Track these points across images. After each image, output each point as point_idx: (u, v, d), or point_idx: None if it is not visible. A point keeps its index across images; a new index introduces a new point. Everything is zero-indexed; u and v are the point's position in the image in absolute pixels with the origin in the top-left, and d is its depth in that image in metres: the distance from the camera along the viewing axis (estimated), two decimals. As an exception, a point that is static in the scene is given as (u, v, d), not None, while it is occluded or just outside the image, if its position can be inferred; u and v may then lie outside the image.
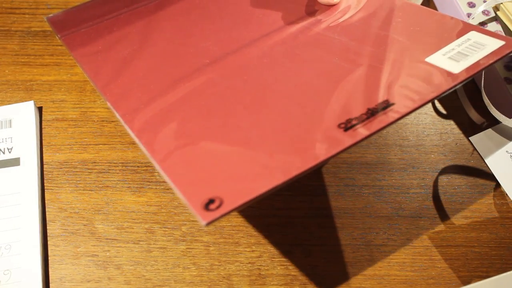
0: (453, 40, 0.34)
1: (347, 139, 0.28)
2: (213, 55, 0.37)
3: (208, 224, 0.24)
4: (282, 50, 0.37)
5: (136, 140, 0.31)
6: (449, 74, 0.32)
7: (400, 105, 0.30)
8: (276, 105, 0.32)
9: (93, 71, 0.36)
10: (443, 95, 0.31)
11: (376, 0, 0.40)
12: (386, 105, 0.30)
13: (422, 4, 0.55)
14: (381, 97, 0.31)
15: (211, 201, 0.26)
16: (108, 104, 0.34)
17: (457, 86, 0.31)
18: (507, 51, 0.32)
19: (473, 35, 0.34)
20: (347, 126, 0.29)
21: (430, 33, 0.36)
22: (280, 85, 0.34)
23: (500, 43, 0.33)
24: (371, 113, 0.30)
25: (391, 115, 0.29)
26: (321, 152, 0.28)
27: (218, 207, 0.25)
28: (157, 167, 0.29)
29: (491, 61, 0.32)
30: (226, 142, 0.30)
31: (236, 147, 0.29)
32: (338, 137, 0.29)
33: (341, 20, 0.39)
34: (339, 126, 0.29)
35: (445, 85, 0.31)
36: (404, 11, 0.39)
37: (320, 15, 0.40)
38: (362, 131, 0.29)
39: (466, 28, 0.35)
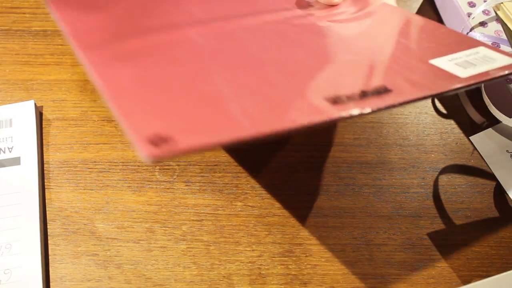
0: (461, 51, 0.34)
1: (333, 111, 0.27)
2: (197, 18, 0.36)
3: (153, 160, 0.22)
4: (274, 28, 0.36)
5: (92, 75, 0.28)
6: (453, 76, 0.31)
7: (397, 94, 0.29)
8: (257, 70, 0.31)
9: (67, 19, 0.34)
10: (443, 95, 0.31)
11: (383, 8, 0.40)
12: (383, 90, 0.29)
13: (422, 4, 0.55)
14: (377, 82, 0.30)
15: (162, 139, 0.23)
16: (70, 40, 0.31)
17: (461, 90, 0.30)
18: None
19: (482, 50, 0.34)
20: (336, 100, 0.28)
21: (436, 41, 0.36)
22: (265, 56, 0.32)
23: (509, 60, 0.32)
24: (364, 94, 0.28)
25: (386, 99, 0.28)
26: (300, 117, 0.26)
27: (167, 144, 0.23)
28: (106, 97, 0.26)
29: (501, 73, 0.31)
30: (195, 89, 0.28)
31: (204, 96, 0.27)
32: (323, 108, 0.27)
33: (342, 16, 0.39)
34: (326, 99, 0.28)
35: (447, 86, 0.30)
36: (412, 21, 0.38)
37: (320, 9, 0.40)
38: (351, 107, 0.27)
39: (476, 43, 0.34)
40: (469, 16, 0.49)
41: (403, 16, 0.39)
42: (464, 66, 0.32)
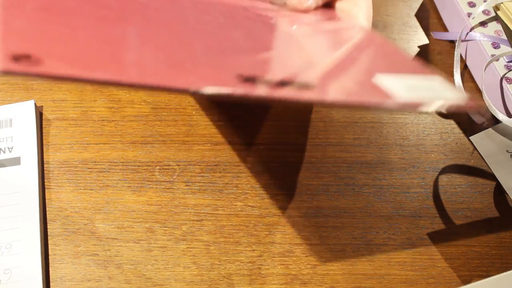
0: (414, 75, 0.31)
1: (238, 87, 0.25)
2: None
3: (3, 72, 0.20)
4: (224, 9, 0.34)
5: None
6: (390, 96, 0.28)
7: (319, 92, 0.27)
8: (180, 35, 0.29)
9: None
10: (372, 110, 0.27)
11: (352, 25, 0.38)
12: (305, 85, 0.27)
13: (423, 3, 0.55)
14: (304, 78, 0.28)
15: (27, 57, 0.21)
16: None
17: (391, 110, 0.28)
18: (468, 105, 0.29)
19: (436, 79, 0.31)
20: (248, 79, 0.25)
21: (393, 63, 0.33)
22: (198, 26, 0.31)
23: (462, 95, 0.29)
24: (284, 83, 0.26)
25: (304, 94, 0.26)
26: (199, 82, 0.24)
27: (29, 63, 0.21)
28: None
29: (445, 106, 0.28)
30: (99, 29, 0.27)
31: (104, 36, 0.26)
32: (229, 81, 0.25)
33: (303, 20, 0.37)
34: (238, 75, 0.25)
35: (377, 102, 0.27)
36: (376, 42, 0.36)
37: (285, 10, 0.38)
38: (259, 89, 0.25)
39: (433, 71, 0.32)
40: (469, 16, 0.49)
41: (368, 35, 0.37)
42: (406, 88, 0.29)
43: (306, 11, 0.38)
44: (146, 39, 0.27)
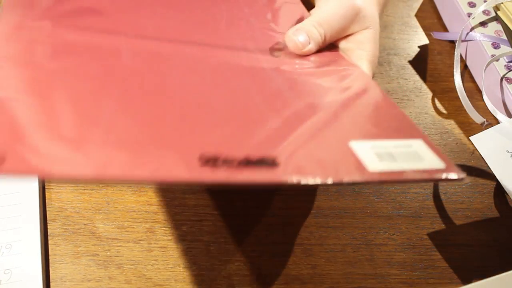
0: (395, 138, 0.30)
1: (197, 173, 0.24)
2: (143, 33, 0.35)
3: None
4: (212, 64, 0.34)
5: None
6: (361, 167, 0.27)
7: (280, 171, 0.25)
8: (152, 104, 0.29)
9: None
10: (338, 185, 0.26)
11: (351, 72, 0.37)
12: (270, 161, 0.26)
13: (423, 3, 0.55)
14: (269, 151, 0.26)
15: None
16: None
17: (361, 184, 0.27)
18: (441, 176, 0.27)
19: (417, 144, 0.29)
20: (209, 161, 0.25)
21: (376, 121, 0.32)
22: (178, 90, 0.31)
23: (440, 164, 0.28)
24: (246, 162, 0.25)
25: (264, 174, 0.25)
26: (156, 171, 0.24)
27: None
28: None
29: (417, 177, 0.27)
30: (72, 104, 0.27)
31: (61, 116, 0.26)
32: (189, 167, 0.24)
33: (297, 67, 0.36)
34: (200, 157, 0.25)
35: (345, 177, 0.26)
36: (367, 94, 0.35)
37: (286, 56, 0.37)
38: (219, 174, 0.24)
39: (417, 135, 0.30)
40: (469, 16, 0.49)
41: (362, 84, 0.36)
42: (382, 158, 0.28)
43: (306, 54, 0.37)
44: (118, 117, 0.27)
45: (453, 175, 0.27)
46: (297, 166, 0.26)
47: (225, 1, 0.41)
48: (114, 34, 0.34)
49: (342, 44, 0.38)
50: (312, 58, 0.37)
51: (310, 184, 0.25)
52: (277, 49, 0.37)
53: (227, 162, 0.25)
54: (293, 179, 0.25)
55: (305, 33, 0.36)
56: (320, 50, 0.37)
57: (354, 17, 0.37)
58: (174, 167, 0.24)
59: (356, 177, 0.26)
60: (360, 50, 0.38)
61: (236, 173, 0.25)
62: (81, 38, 0.33)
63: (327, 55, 0.38)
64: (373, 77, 0.38)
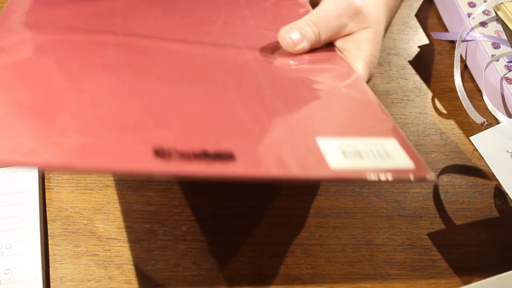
0: (365, 136, 0.29)
1: (148, 164, 0.24)
2: (132, 31, 0.35)
3: None
4: (195, 61, 0.34)
5: None
6: (323, 165, 0.26)
7: (238, 165, 0.25)
8: (120, 98, 0.29)
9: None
10: (298, 182, 0.25)
11: (340, 71, 0.36)
12: (226, 155, 0.25)
13: (423, 3, 0.55)
14: (228, 145, 0.26)
15: None
16: None
17: (320, 180, 0.26)
18: (407, 177, 0.27)
19: (389, 143, 0.29)
20: (163, 153, 0.25)
21: (352, 119, 0.31)
22: (150, 86, 0.31)
23: (409, 164, 0.27)
24: (204, 155, 0.25)
25: (218, 168, 0.25)
26: (106, 161, 0.24)
27: None
28: None
29: (379, 177, 0.26)
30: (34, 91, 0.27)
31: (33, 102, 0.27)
32: (141, 157, 0.24)
33: (285, 65, 0.36)
34: (154, 148, 0.25)
35: (301, 172, 0.26)
36: (351, 92, 0.34)
37: (275, 54, 0.37)
38: (172, 166, 0.24)
39: (392, 133, 0.29)
40: (469, 16, 0.49)
41: (347, 83, 0.35)
42: (348, 155, 0.27)
43: (299, 53, 0.36)
44: (85, 108, 0.28)
45: (420, 176, 0.26)
46: (254, 161, 0.26)
47: (226, 4, 0.41)
48: (102, 33, 0.35)
49: (340, 44, 0.38)
50: (306, 57, 0.37)
51: (271, 179, 0.25)
52: (270, 47, 0.37)
53: (182, 155, 0.25)
54: (247, 172, 0.25)
55: (298, 31, 0.36)
56: (316, 49, 0.37)
57: (353, 17, 0.37)
58: (126, 158, 0.24)
59: (313, 173, 0.26)
60: (357, 50, 0.37)
61: (187, 166, 0.25)
62: (67, 37, 0.34)
63: (322, 54, 0.37)
64: (370, 79, 0.38)
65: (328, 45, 0.38)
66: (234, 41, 0.37)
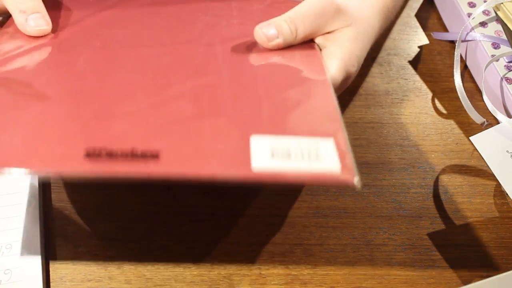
0: (303, 135, 0.28)
1: (76, 165, 0.25)
2: (108, 41, 0.36)
3: None
4: (161, 62, 0.35)
5: None
6: (246, 164, 0.26)
7: (162, 165, 0.25)
8: (75, 100, 0.31)
9: None
10: (219, 182, 0.25)
11: (305, 67, 0.35)
12: (151, 154, 0.26)
13: (423, 3, 0.55)
14: (155, 145, 0.26)
15: None
16: None
17: (240, 180, 0.25)
18: (329, 181, 0.26)
19: (325, 143, 0.28)
20: (93, 153, 0.25)
21: (297, 117, 0.30)
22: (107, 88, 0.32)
23: (335, 168, 0.26)
24: (132, 155, 0.26)
25: (141, 167, 0.25)
26: (39, 162, 0.25)
27: None
28: None
29: (300, 180, 0.26)
30: None
31: None
32: (73, 159, 0.25)
33: (252, 60, 0.36)
34: (86, 149, 0.26)
35: (220, 172, 0.26)
36: (304, 89, 0.33)
37: (247, 50, 0.36)
38: (96, 167, 0.25)
39: (332, 133, 0.28)
40: (469, 16, 0.49)
41: (303, 80, 0.34)
42: (275, 155, 0.27)
43: (274, 48, 0.36)
44: (37, 110, 0.29)
45: (343, 181, 0.26)
46: (177, 161, 0.26)
47: (217, 7, 0.41)
48: (80, 44, 0.36)
49: (320, 41, 0.38)
50: (279, 54, 0.36)
51: (190, 179, 0.25)
52: (246, 44, 0.37)
53: (110, 155, 0.25)
54: (165, 172, 0.25)
55: (274, 27, 0.35)
56: (293, 46, 0.36)
57: (333, 15, 0.37)
58: (57, 160, 0.26)
59: (232, 173, 0.26)
60: (335, 48, 0.37)
61: (116, 165, 0.25)
62: (44, 42, 0.35)
63: (296, 52, 0.36)
64: (350, 77, 0.38)
65: (308, 42, 0.38)
66: (211, 39, 0.37)
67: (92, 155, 0.25)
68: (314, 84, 0.34)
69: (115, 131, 0.28)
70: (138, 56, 0.35)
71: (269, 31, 0.35)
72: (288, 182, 0.26)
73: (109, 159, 0.25)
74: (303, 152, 0.27)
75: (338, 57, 0.37)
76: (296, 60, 0.36)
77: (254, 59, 0.36)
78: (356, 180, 0.26)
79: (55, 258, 0.36)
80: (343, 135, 0.28)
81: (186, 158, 0.26)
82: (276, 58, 0.36)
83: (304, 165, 0.26)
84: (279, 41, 0.35)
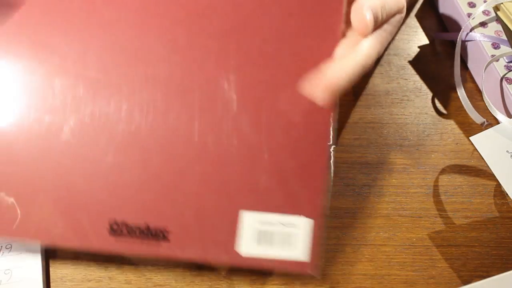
0: (285, 214, 0.28)
1: (105, 243, 0.26)
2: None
3: None
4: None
5: None
6: (234, 249, 0.27)
7: (171, 247, 0.27)
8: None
9: None
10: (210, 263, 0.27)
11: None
12: (161, 235, 0.27)
13: (423, 3, 0.55)
14: (162, 221, 0.27)
15: None
16: None
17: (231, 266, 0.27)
18: (297, 272, 0.28)
19: (302, 224, 0.28)
20: (116, 230, 0.26)
21: (287, 188, 0.29)
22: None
23: (304, 258, 0.27)
24: (147, 232, 0.27)
25: (153, 249, 0.26)
26: (69, 239, 0.27)
27: None
28: None
29: (279, 271, 0.27)
30: None
31: None
32: (98, 235, 0.26)
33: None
34: (110, 224, 0.26)
35: (215, 258, 0.27)
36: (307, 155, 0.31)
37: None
38: (119, 246, 0.26)
39: (312, 213, 0.29)
40: (469, 16, 0.49)
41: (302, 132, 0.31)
42: (261, 240, 0.27)
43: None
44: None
45: (306, 272, 0.28)
46: (183, 244, 0.28)
47: None
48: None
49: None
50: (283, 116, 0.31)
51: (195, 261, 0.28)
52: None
53: (130, 231, 0.27)
54: (172, 255, 0.27)
55: (372, 13, 0.30)
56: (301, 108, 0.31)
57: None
58: (83, 237, 0.27)
59: (225, 259, 0.28)
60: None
61: (133, 245, 0.27)
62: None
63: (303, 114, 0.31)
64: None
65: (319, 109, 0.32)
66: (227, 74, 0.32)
67: (114, 232, 0.27)
68: (311, 157, 0.31)
69: (128, 202, 0.28)
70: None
71: (368, 15, 0.31)
72: (265, 270, 0.28)
73: (131, 237, 0.27)
74: (282, 237, 0.28)
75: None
76: (301, 123, 0.32)
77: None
78: (316, 273, 0.29)
79: (55, 258, 0.36)
80: (320, 213, 0.29)
81: (190, 242, 0.28)
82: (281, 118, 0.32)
83: (282, 253, 0.28)
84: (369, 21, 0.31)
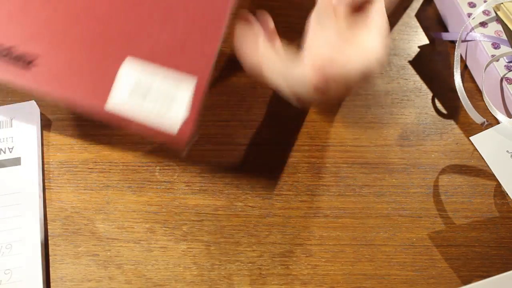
0: (171, 71, 0.27)
1: None
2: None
3: None
4: None
5: None
6: (99, 99, 0.25)
7: (31, 75, 0.25)
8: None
9: None
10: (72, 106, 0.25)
11: None
12: (27, 60, 0.25)
13: (423, 3, 0.55)
14: (34, 49, 0.25)
15: None
16: None
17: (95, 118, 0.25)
18: (162, 141, 0.26)
19: (186, 86, 0.26)
20: None
21: (182, 43, 0.28)
22: None
23: (173, 128, 0.25)
24: (7, 54, 0.25)
25: (10, 72, 0.25)
26: None
27: None
28: None
29: (142, 133, 0.25)
30: None
31: None
32: None
33: None
34: None
35: (80, 103, 0.25)
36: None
37: None
38: None
39: (201, 70, 0.27)
40: (469, 16, 0.49)
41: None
42: (134, 94, 0.25)
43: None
44: None
45: (173, 144, 0.25)
46: (52, 75, 0.25)
47: None
48: None
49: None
50: None
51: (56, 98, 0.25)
52: None
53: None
54: (35, 87, 0.25)
55: None
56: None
57: None
58: None
59: (89, 107, 0.25)
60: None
61: None
62: None
63: None
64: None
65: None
66: None
67: None
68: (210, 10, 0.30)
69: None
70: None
71: None
72: (130, 130, 0.25)
73: None
74: (159, 96, 0.26)
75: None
76: None
77: None
78: (183, 151, 0.26)
79: (55, 258, 0.36)
80: (206, 74, 0.27)
81: (61, 74, 0.25)
82: None
83: (151, 115, 0.25)
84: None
